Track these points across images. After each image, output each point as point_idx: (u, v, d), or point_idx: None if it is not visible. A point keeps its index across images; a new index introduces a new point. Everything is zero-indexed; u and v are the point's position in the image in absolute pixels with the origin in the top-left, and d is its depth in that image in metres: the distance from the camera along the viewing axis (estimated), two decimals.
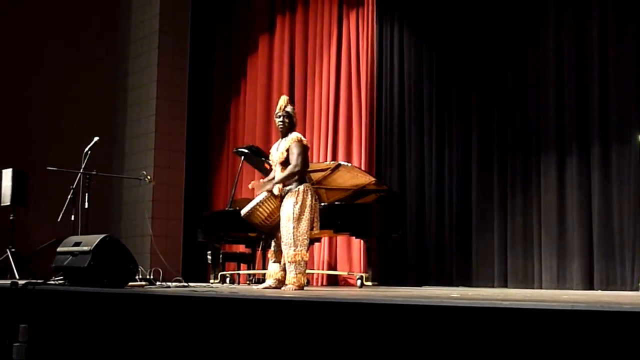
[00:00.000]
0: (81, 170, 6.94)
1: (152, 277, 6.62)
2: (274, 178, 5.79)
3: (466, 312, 2.82)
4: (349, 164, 7.86)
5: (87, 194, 6.89)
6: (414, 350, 2.87)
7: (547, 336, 2.55)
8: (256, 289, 5.80)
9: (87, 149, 7.04)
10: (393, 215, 7.68)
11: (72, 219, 6.80)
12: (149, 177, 7.66)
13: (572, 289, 7.14)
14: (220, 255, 8.43)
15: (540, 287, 7.44)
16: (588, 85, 7.40)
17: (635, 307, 2.56)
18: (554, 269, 7.42)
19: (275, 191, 5.61)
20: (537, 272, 7.57)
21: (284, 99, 5.86)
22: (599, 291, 6.84)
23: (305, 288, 5.63)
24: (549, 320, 2.58)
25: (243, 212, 5.70)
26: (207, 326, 3.73)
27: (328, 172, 7.50)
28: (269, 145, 9.41)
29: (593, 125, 7.31)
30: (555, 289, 7.24)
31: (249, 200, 5.93)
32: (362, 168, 8.58)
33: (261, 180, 6.21)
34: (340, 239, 9.13)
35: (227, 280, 8.47)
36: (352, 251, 9.10)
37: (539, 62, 7.85)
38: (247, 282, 8.78)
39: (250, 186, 6.06)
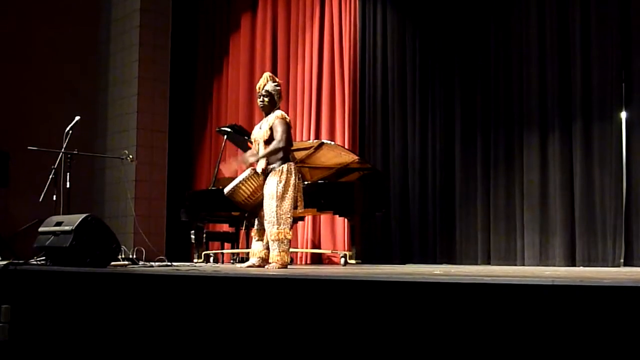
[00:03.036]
0: (62, 150, 6.89)
1: (135, 256, 6.60)
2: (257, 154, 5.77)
3: (448, 288, 2.83)
4: (332, 143, 7.86)
5: (68, 174, 6.84)
6: (397, 326, 2.88)
7: (528, 311, 2.57)
8: (240, 268, 5.80)
9: (68, 129, 6.98)
10: (376, 193, 7.69)
11: (54, 199, 6.75)
12: (130, 157, 7.62)
13: (554, 265, 7.19)
14: (204, 235, 8.42)
15: (523, 264, 7.49)
16: (570, 63, 7.41)
17: (614, 282, 2.58)
18: (536, 245, 7.47)
19: (260, 167, 5.60)
20: (519, 249, 7.62)
21: (265, 77, 5.81)
22: (581, 267, 6.90)
23: (288, 266, 5.63)
24: (530, 295, 2.59)
25: (226, 190, 5.69)
26: (190, 305, 3.73)
27: (311, 150, 7.50)
28: (252, 124, 9.40)
29: (575, 103, 7.33)
30: (537, 265, 7.29)
31: (232, 179, 5.92)
32: (346, 146, 8.57)
33: (231, 159, 6.18)
34: (324, 218, 9.15)
35: (211, 259, 8.47)
36: (336, 229, 9.12)
37: (522, 41, 7.85)
38: (231, 261, 8.78)
39: (225, 172, 6.03)
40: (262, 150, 5.68)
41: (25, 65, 10.37)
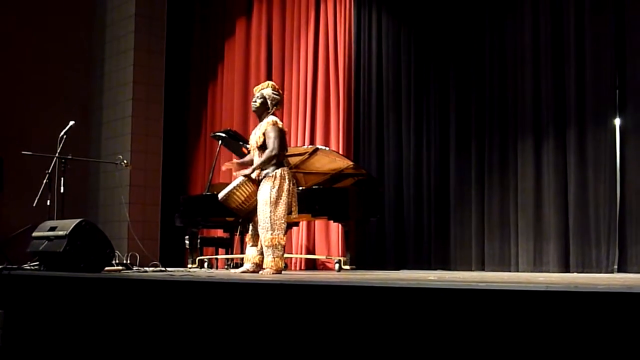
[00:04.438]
0: (57, 155, 6.88)
1: (129, 262, 6.59)
2: (251, 161, 5.77)
3: (442, 294, 2.83)
4: (327, 148, 7.86)
5: (62, 179, 6.83)
6: (391, 331, 2.88)
7: (522, 317, 2.57)
8: (234, 273, 5.79)
9: (62, 133, 6.97)
10: (371, 199, 7.69)
11: (48, 203, 6.74)
12: (125, 162, 7.60)
13: (548, 271, 7.20)
14: (198, 240, 8.43)
15: (517, 270, 7.49)
16: (564, 70, 7.43)
17: (608, 287, 2.59)
18: (530, 252, 7.47)
19: (253, 175, 5.60)
20: (513, 255, 7.63)
21: (267, 83, 5.86)
22: (575, 274, 6.90)
23: (283, 272, 5.62)
24: (524, 301, 2.59)
25: (220, 195, 5.69)
26: (184, 311, 3.72)
27: (306, 156, 7.50)
28: (246, 129, 9.41)
29: (569, 110, 7.35)
30: (531, 271, 7.30)
31: (227, 185, 5.92)
32: (340, 152, 8.57)
33: (234, 160, 6.18)
34: (319, 223, 9.14)
35: (205, 264, 8.46)
36: (330, 235, 9.11)
37: (517, 47, 7.87)
38: (225, 266, 8.77)
39: (224, 168, 6.05)
40: (257, 157, 5.68)
41: (19, 70, 10.36)
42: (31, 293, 4.69)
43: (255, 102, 5.73)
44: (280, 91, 5.87)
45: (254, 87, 5.95)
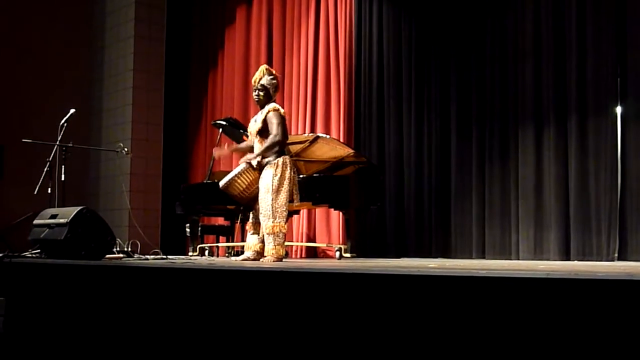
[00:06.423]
0: (57, 143, 6.88)
1: (129, 249, 6.60)
2: (249, 148, 5.76)
3: (443, 282, 2.83)
4: (328, 136, 7.86)
5: (63, 167, 6.83)
6: (392, 319, 2.89)
7: (522, 304, 2.57)
8: (235, 261, 5.79)
9: (63, 121, 6.97)
10: (372, 187, 7.69)
11: (49, 191, 6.75)
12: (125, 150, 7.61)
13: (549, 259, 7.20)
14: (199, 228, 8.43)
15: (518, 258, 7.50)
16: (566, 58, 7.41)
17: (609, 275, 2.59)
18: (531, 240, 7.48)
19: (254, 163, 5.58)
20: (514, 243, 7.63)
21: (261, 70, 5.75)
22: (575, 262, 6.91)
23: (283, 260, 5.63)
24: (525, 288, 2.59)
25: (221, 183, 5.68)
26: (185, 298, 3.73)
27: (306, 144, 7.50)
28: (247, 117, 9.39)
29: (570, 98, 7.33)
30: (532, 259, 7.31)
31: (227, 173, 5.91)
32: (341, 140, 8.56)
33: (227, 146, 6.16)
34: (319, 211, 9.14)
35: (206, 252, 8.47)
36: (331, 223, 9.12)
37: (518, 35, 7.85)
38: (226, 254, 8.78)
39: (215, 155, 6.06)
40: (257, 143, 5.66)
41: (19, 58, 10.34)
42: (32, 281, 4.70)
43: (259, 94, 5.67)
44: (275, 72, 5.82)
45: (254, 75, 5.87)
